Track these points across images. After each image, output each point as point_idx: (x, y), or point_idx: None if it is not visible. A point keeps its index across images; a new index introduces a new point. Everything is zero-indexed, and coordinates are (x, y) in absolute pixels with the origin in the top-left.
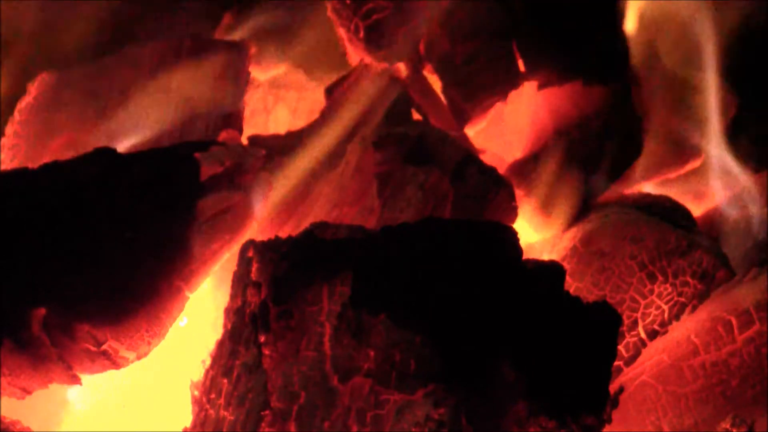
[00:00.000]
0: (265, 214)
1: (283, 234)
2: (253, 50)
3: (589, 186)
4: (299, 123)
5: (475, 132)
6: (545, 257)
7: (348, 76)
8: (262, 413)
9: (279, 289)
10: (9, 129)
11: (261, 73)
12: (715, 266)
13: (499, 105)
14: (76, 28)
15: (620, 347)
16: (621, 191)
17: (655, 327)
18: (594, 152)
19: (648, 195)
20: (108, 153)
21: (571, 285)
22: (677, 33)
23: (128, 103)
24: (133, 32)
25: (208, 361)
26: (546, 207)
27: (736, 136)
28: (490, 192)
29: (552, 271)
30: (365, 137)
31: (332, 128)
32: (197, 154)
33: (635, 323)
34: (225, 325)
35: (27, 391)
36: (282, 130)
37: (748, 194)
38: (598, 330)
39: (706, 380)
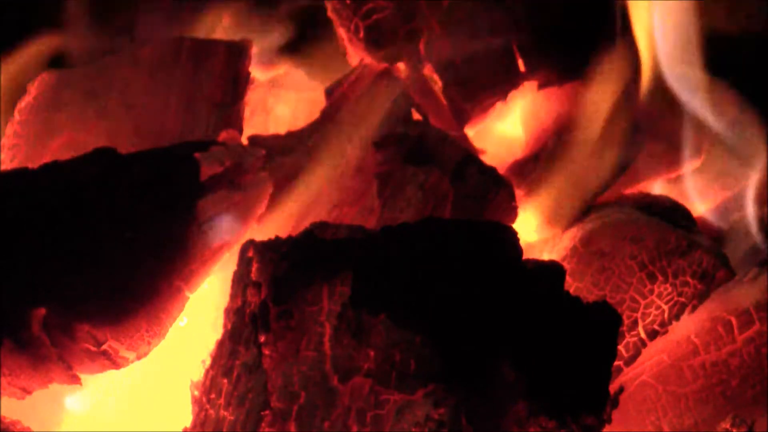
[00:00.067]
0: (265, 214)
1: (283, 234)
2: (253, 50)
3: (588, 186)
4: (299, 123)
5: (475, 132)
6: (545, 257)
7: (348, 76)
8: (262, 413)
9: (279, 289)
10: (9, 129)
11: (261, 73)
12: (715, 266)
13: (499, 105)
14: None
15: (620, 347)
16: (621, 191)
17: (655, 327)
18: (594, 152)
19: (648, 195)
20: (108, 153)
21: (571, 285)
22: (678, 32)
23: (128, 103)
24: (133, 32)
25: (208, 361)
26: (546, 207)
27: (736, 135)
28: (490, 192)
29: (552, 271)
30: (365, 137)
31: (332, 128)
32: (197, 154)
33: (635, 323)
34: (225, 325)
35: (27, 391)
36: (282, 130)
37: (748, 194)
38: (598, 330)
39: (706, 380)
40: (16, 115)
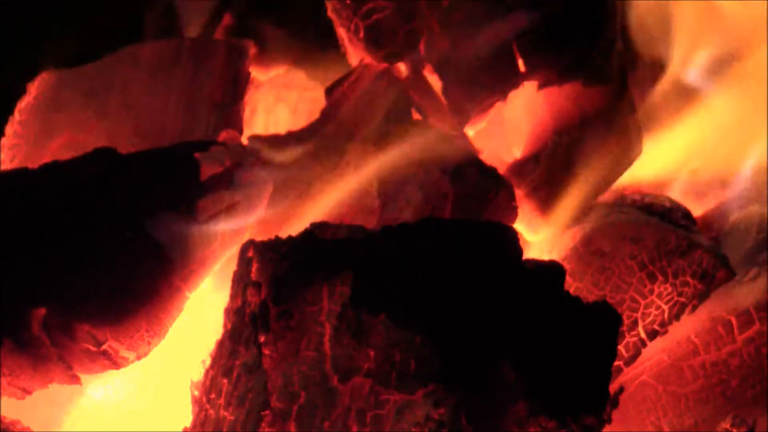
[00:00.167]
0: (265, 214)
1: (283, 234)
2: (253, 50)
3: (589, 186)
4: (299, 123)
5: (475, 132)
6: (545, 257)
7: (348, 76)
8: (262, 413)
9: (279, 289)
10: (9, 129)
11: (261, 73)
12: (715, 266)
13: (499, 105)
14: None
15: (620, 347)
16: (621, 191)
17: (655, 327)
18: (594, 152)
19: (648, 195)
20: (108, 153)
21: (571, 285)
22: (678, 32)
23: (128, 103)
24: (133, 32)
25: (208, 361)
26: (546, 207)
27: (735, 135)
28: (490, 192)
29: (552, 271)
30: (365, 137)
31: (332, 128)
32: (197, 154)
33: (635, 323)
34: (225, 325)
35: (27, 391)
36: (282, 130)
37: (748, 194)
38: (598, 330)
39: (706, 380)
40: (16, 115)
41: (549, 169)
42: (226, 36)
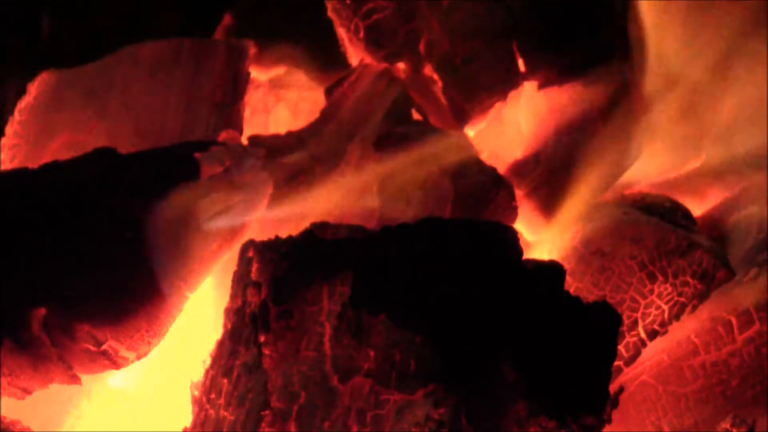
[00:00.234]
0: (265, 214)
1: (283, 234)
2: (253, 50)
3: (589, 186)
4: (299, 123)
5: (475, 132)
6: (545, 257)
7: (348, 76)
8: (262, 413)
9: (279, 289)
10: (9, 129)
11: (261, 73)
12: (715, 266)
13: (499, 105)
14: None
15: (620, 347)
16: (621, 191)
17: (655, 327)
18: (594, 152)
19: (648, 195)
20: (108, 153)
21: (571, 285)
22: (679, 32)
23: (128, 103)
24: (133, 32)
25: (208, 361)
26: (546, 207)
27: (735, 135)
28: (490, 192)
29: (552, 271)
30: (365, 137)
31: (332, 128)
32: (197, 154)
33: (635, 323)
34: (225, 325)
35: (27, 391)
36: (282, 130)
37: (748, 194)
38: (598, 330)
39: (706, 380)
40: (16, 115)
41: (549, 169)
42: (226, 36)
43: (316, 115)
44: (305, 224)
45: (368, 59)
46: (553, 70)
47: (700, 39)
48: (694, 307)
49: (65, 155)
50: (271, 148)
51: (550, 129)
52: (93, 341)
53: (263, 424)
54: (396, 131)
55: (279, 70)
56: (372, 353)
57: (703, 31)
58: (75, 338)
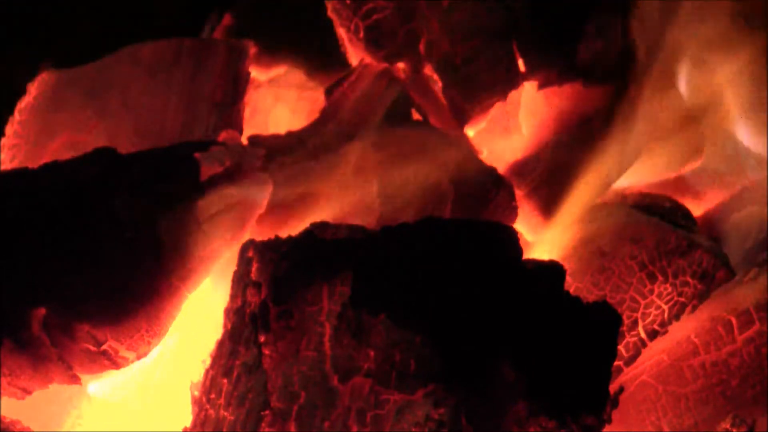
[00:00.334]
0: (265, 214)
1: (283, 234)
2: (253, 50)
3: (589, 186)
4: (299, 123)
5: (475, 132)
6: (545, 257)
7: (348, 76)
8: (262, 413)
9: (279, 289)
10: (9, 129)
11: (261, 73)
12: (715, 266)
13: (499, 105)
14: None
15: (620, 347)
16: (621, 191)
17: (655, 327)
18: (594, 152)
19: (648, 195)
20: (108, 153)
21: (571, 285)
22: (679, 32)
23: (128, 103)
24: (133, 32)
25: (208, 361)
26: (546, 207)
27: (735, 135)
28: (490, 192)
29: (552, 271)
30: (365, 137)
31: (332, 128)
32: (197, 154)
33: (635, 323)
34: (225, 325)
35: (27, 391)
36: (282, 130)
37: (748, 194)
38: (598, 330)
39: (706, 380)
40: (16, 115)
41: (549, 169)
42: (226, 36)
43: (316, 115)
44: (305, 224)
45: (368, 59)
46: (553, 70)
47: (700, 39)
48: (694, 307)
49: (65, 155)
50: (271, 148)
51: (550, 129)
52: (93, 341)
53: (263, 424)
54: (396, 131)
55: (279, 70)
56: (372, 353)
57: (703, 29)
58: (75, 338)
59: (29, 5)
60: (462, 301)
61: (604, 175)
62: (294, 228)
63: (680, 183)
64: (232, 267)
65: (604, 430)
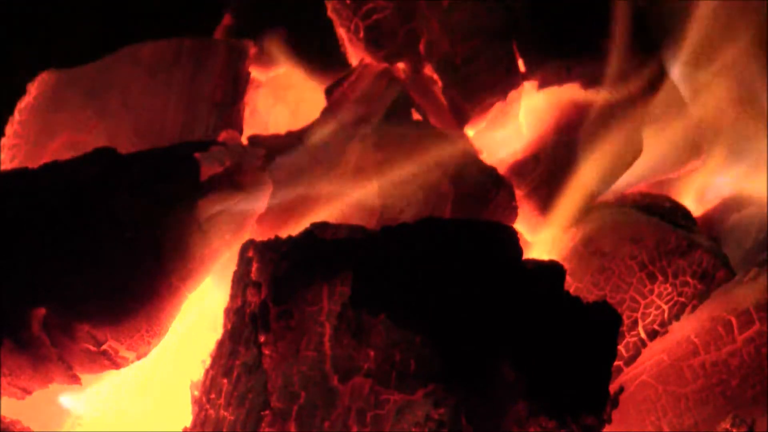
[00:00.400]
0: (265, 214)
1: (283, 234)
2: (253, 50)
3: (589, 186)
4: (299, 123)
5: (475, 132)
6: (545, 257)
7: (348, 76)
8: (262, 413)
9: (279, 289)
10: (9, 129)
11: (261, 73)
12: (715, 266)
13: (499, 105)
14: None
15: (620, 347)
16: (621, 191)
17: (655, 327)
18: (594, 152)
19: (648, 195)
20: (108, 153)
21: (571, 285)
22: (679, 32)
23: (128, 103)
24: (133, 32)
25: (208, 361)
26: (546, 207)
27: (735, 135)
28: (490, 192)
29: (552, 271)
30: (365, 137)
31: (332, 128)
32: (197, 154)
33: (635, 323)
34: (225, 325)
35: (27, 391)
36: (282, 130)
37: (748, 194)
38: (598, 330)
39: (706, 380)
40: (16, 115)
41: (549, 169)
42: (226, 36)
43: (316, 115)
44: (305, 224)
45: (368, 59)
46: (553, 70)
47: (700, 38)
48: (694, 307)
49: (65, 155)
50: (271, 148)
51: (550, 129)
52: (93, 341)
53: (263, 424)
54: (396, 131)
55: (279, 70)
56: (372, 353)
57: (703, 29)
58: (75, 338)
59: (29, 5)
60: (462, 301)
61: (604, 175)
62: (294, 228)
63: (680, 183)
64: (232, 267)
65: (604, 430)
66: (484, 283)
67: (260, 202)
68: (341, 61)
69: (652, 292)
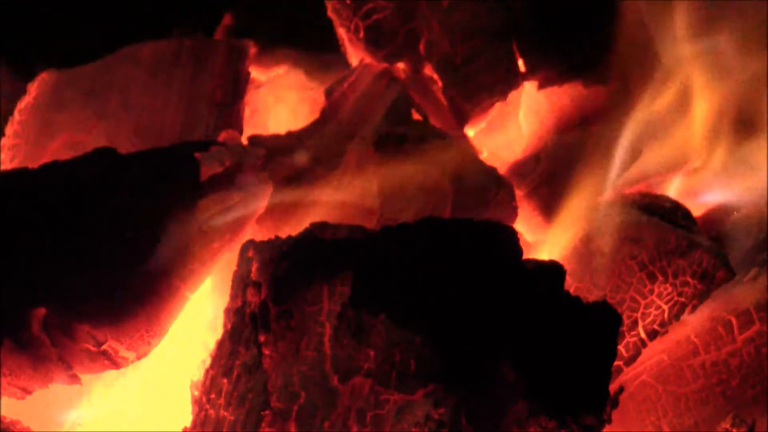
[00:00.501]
0: (265, 214)
1: (283, 234)
2: (253, 50)
3: (589, 186)
4: (299, 123)
5: (475, 132)
6: (545, 257)
7: (348, 76)
8: (262, 413)
9: (279, 289)
10: (9, 129)
11: (261, 73)
12: (715, 266)
13: (499, 105)
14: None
15: (620, 347)
16: (621, 191)
17: (655, 327)
18: (594, 152)
19: (648, 195)
20: (108, 153)
21: (571, 285)
22: (680, 32)
23: (128, 103)
24: (133, 32)
25: (208, 361)
26: (546, 207)
27: (735, 135)
28: (490, 192)
29: (552, 271)
30: (365, 137)
31: (332, 128)
32: (197, 154)
33: (635, 323)
34: (225, 325)
35: (27, 391)
36: (282, 130)
37: (748, 194)
38: (598, 330)
39: (706, 380)
40: (16, 115)
41: (549, 169)
42: (226, 36)
43: (316, 115)
44: (305, 224)
45: (368, 59)
46: (553, 70)
47: (700, 38)
48: (694, 307)
49: (65, 155)
50: (271, 148)
51: (550, 129)
52: (93, 341)
53: (263, 424)
54: (396, 131)
55: (279, 70)
56: (372, 353)
57: (703, 30)
58: (75, 338)
59: (29, 5)
60: (462, 301)
61: (604, 175)
62: (294, 228)
63: (680, 183)
64: (232, 267)
65: (604, 430)
66: (484, 283)
67: (260, 202)
68: (341, 61)
69: (652, 292)
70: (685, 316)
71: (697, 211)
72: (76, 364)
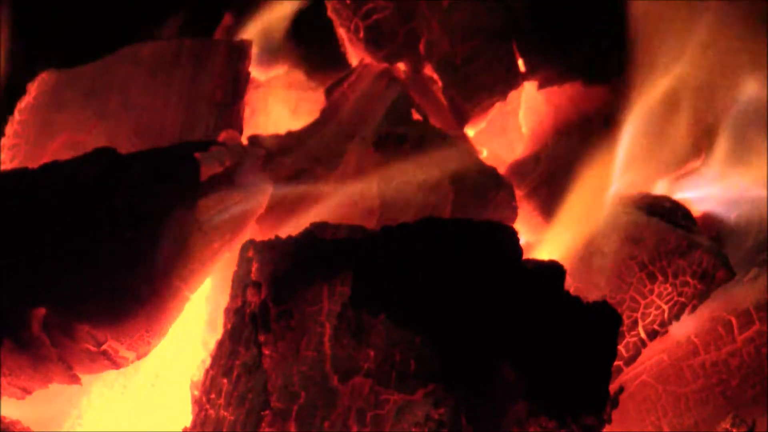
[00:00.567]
0: (265, 214)
1: (283, 234)
2: (253, 50)
3: (589, 186)
4: (299, 123)
5: (475, 132)
6: (545, 257)
7: (348, 76)
8: (262, 413)
9: (279, 289)
10: (9, 129)
11: (261, 73)
12: (715, 266)
13: (499, 105)
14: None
15: (620, 347)
16: (621, 191)
17: (655, 327)
18: (594, 152)
19: (648, 195)
20: (108, 153)
21: (571, 285)
22: (678, 32)
23: (128, 103)
24: (133, 32)
25: (208, 361)
26: (546, 207)
27: (736, 135)
28: (490, 192)
29: (552, 271)
30: (365, 137)
31: (332, 128)
32: (197, 154)
33: (635, 323)
34: (225, 325)
35: (27, 391)
36: (282, 130)
37: (748, 194)
38: (598, 330)
39: (706, 380)
40: (16, 115)
41: (549, 169)
42: (226, 36)
43: (316, 115)
44: (305, 224)
45: (368, 59)
46: (553, 70)
47: (700, 38)
48: (694, 307)
49: (65, 155)
50: (271, 148)
51: (550, 129)
52: (93, 341)
53: (263, 424)
54: (396, 131)
55: (279, 70)
56: (372, 353)
57: (703, 30)
58: (75, 338)
59: (29, 5)
60: (462, 301)
61: (604, 175)
62: (294, 228)
63: (680, 183)
64: (232, 267)
65: (604, 430)
66: (484, 283)
67: (260, 202)
68: (341, 61)
69: (652, 292)
70: (685, 316)
71: (697, 211)
72: (76, 364)
